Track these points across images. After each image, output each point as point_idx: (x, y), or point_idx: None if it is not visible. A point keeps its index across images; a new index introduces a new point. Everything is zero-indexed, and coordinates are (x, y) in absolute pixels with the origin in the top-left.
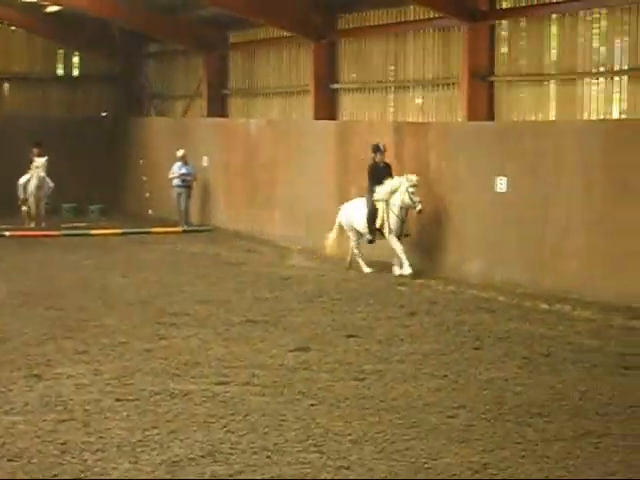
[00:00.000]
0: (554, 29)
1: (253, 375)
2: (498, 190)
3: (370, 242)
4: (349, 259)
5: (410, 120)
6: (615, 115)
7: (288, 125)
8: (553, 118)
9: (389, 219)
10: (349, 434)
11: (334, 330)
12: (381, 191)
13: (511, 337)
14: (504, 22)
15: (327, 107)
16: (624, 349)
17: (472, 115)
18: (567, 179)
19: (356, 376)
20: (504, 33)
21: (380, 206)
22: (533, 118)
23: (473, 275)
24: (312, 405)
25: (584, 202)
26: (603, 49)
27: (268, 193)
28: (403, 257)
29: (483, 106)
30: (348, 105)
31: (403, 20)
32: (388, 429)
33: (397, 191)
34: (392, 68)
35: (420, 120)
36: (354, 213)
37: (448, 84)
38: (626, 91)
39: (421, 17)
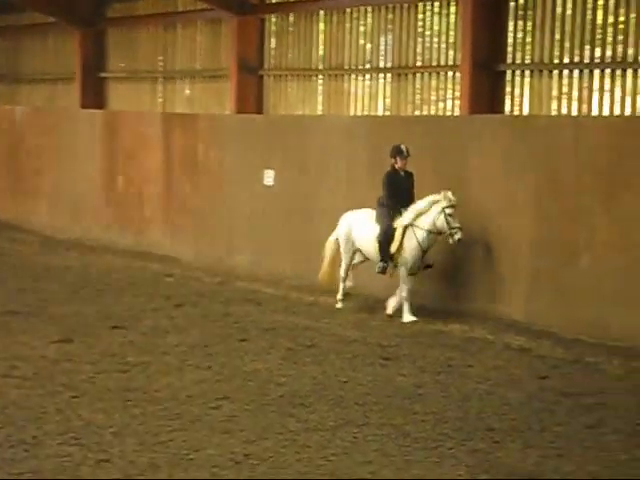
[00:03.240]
0: (322, 25)
1: (12, 367)
2: (266, 183)
3: (382, 272)
4: (342, 284)
5: (179, 111)
6: (380, 111)
7: (54, 113)
8: (321, 113)
9: (407, 245)
10: (110, 426)
11: (98, 321)
12: (408, 216)
13: (276, 329)
14: (273, 16)
15: (95, 96)
16: (384, 340)
17: (241, 108)
18: (333, 173)
19: (120, 368)
20: (273, 27)
21: (399, 228)
22: (301, 112)
23: (241, 267)
24: (73, 397)
25: (349, 195)
26: (369, 46)
27: (34, 182)
28: (406, 303)
29: (252, 99)
30: (116, 95)
31: (172, 11)
32: (150, 421)
33: (427, 212)
34: (161, 58)
35: (189, 111)
36: (361, 229)
37: (217, 76)
38: (390, 88)
39: (190, 8)
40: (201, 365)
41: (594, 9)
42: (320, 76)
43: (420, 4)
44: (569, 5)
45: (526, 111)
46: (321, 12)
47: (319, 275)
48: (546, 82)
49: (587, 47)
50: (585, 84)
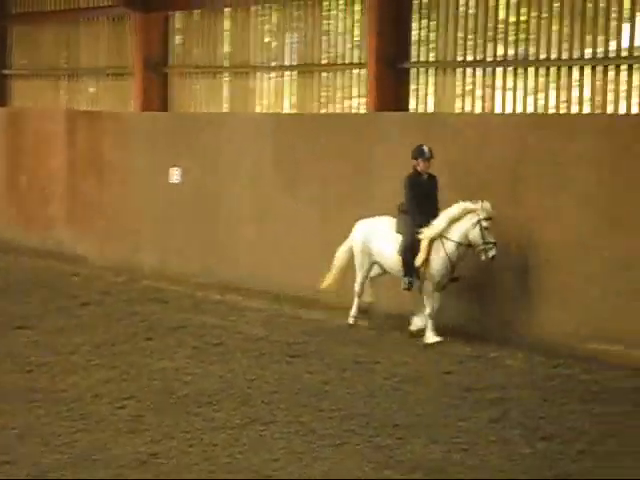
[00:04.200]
0: (227, 22)
1: None
2: (172, 181)
3: (407, 289)
4: (356, 299)
5: (83, 109)
6: (286, 109)
7: None
8: (227, 110)
9: (434, 258)
10: (14, 428)
11: (2, 321)
12: (439, 225)
13: (183, 327)
14: (178, 13)
15: None
16: (290, 338)
17: (146, 106)
18: (240, 171)
19: (24, 368)
20: (178, 24)
21: (425, 239)
22: (207, 110)
23: (147, 266)
24: None
25: (255, 194)
26: (275, 44)
27: None
28: (430, 321)
29: (157, 97)
30: (20, 92)
31: (75, 7)
32: (55, 421)
33: (458, 221)
34: (64, 55)
35: (94, 109)
36: (380, 240)
37: (122, 74)
38: (296, 86)
39: (93, 5)
40: (107, 364)
41: (497, 7)
42: (226, 74)
43: (325, 2)
44: (472, 3)
45: (431, 109)
46: (226, 9)
47: (323, 284)
48: (450, 80)
49: (490, 45)
50: (489, 82)
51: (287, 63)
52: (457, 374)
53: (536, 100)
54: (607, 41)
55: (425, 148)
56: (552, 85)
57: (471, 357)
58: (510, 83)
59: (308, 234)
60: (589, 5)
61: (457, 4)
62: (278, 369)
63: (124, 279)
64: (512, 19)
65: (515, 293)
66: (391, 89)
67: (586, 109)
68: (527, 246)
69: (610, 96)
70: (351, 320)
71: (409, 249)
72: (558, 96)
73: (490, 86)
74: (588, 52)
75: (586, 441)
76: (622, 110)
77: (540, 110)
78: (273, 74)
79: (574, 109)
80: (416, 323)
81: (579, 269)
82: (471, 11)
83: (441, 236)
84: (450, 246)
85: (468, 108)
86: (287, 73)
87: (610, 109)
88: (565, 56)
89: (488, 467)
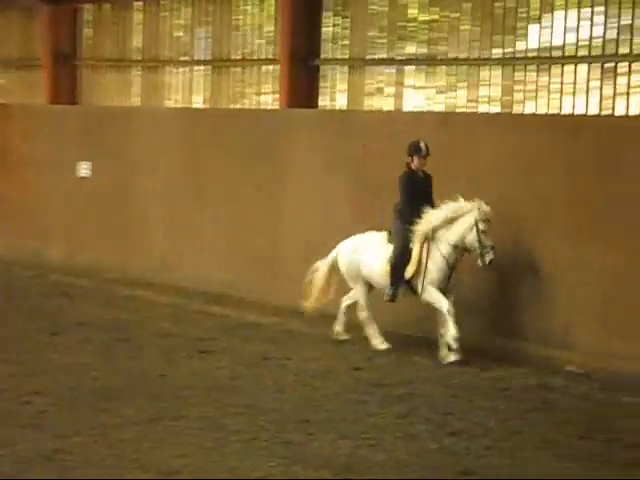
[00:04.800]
0: (139, 16)
1: None
2: (82, 175)
3: (391, 299)
4: (339, 328)
5: None
6: (198, 103)
7: None
8: (137, 105)
9: (429, 266)
10: None
11: None
12: (427, 221)
13: (91, 322)
14: (88, 6)
15: None
16: (201, 333)
17: (55, 98)
18: (150, 165)
19: None
20: (89, 17)
21: (416, 244)
22: (118, 104)
23: (56, 260)
24: None
25: (165, 188)
26: (186, 38)
27: None
28: (450, 321)
29: (67, 90)
30: None
31: None
32: None
33: (454, 223)
34: None
35: (3, 101)
36: (366, 253)
37: (31, 66)
38: (209, 80)
39: None
40: (12, 360)
41: (407, 6)
42: (136, 67)
43: None
44: (383, 2)
45: (342, 106)
46: (137, 3)
47: (305, 303)
48: (361, 77)
49: (401, 44)
50: (399, 80)
51: (199, 58)
52: (366, 370)
53: (446, 99)
54: (515, 41)
55: (422, 144)
56: (461, 84)
57: (380, 353)
58: (420, 81)
59: (218, 229)
60: (498, 5)
61: (368, 2)
62: (188, 365)
63: (32, 274)
64: (423, 18)
65: None
66: (303, 86)
67: (495, 108)
68: None
69: (518, 96)
70: (382, 345)
71: (400, 257)
72: (467, 95)
73: (401, 84)
74: (497, 52)
75: (492, 437)
76: (529, 110)
77: (449, 109)
78: (184, 69)
79: (483, 108)
80: (450, 341)
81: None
82: (382, 9)
83: (435, 239)
84: (446, 249)
85: (379, 106)
86: (199, 68)
87: (518, 109)
88: (474, 55)
89: (395, 463)
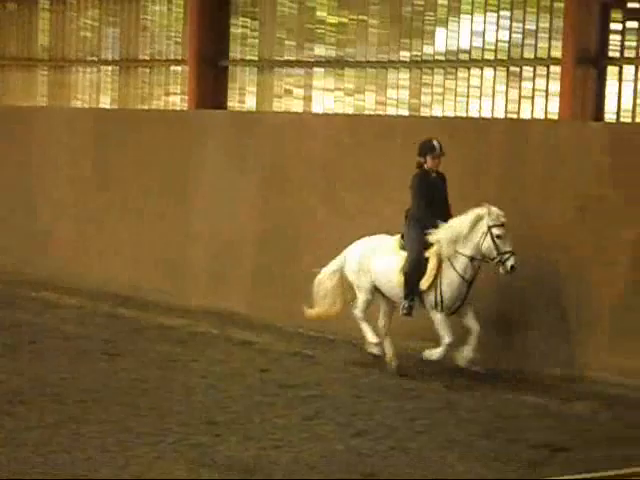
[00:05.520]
0: (45, 15)
1: None
2: None
3: (407, 314)
4: (390, 352)
5: None
6: (105, 104)
7: None
8: (44, 104)
9: (444, 279)
10: None
11: None
12: (445, 233)
13: None
14: None
15: None
16: (108, 336)
17: None
18: (55, 165)
19: None
20: None
21: (433, 256)
22: (23, 103)
23: None
24: None
25: (72, 189)
26: (93, 38)
27: None
28: (437, 354)
29: None
30: None
31: None
32: None
33: (469, 231)
34: None
35: None
36: (377, 261)
37: None
38: (116, 81)
39: None
40: None
41: (317, 9)
42: (43, 67)
43: None
44: (293, 4)
45: (251, 107)
46: (43, 1)
47: (312, 313)
48: (270, 79)
49: (310, 46)
50: (308, 82)
51: (106, 58)
52: (273, 372)
53: (354, 101)
54: (423, 44)
55: (435, 143)
56: (370, 87)
57: (287, 354)
58: (329, 84)
59: (126, 230)
60: (406, 9)
61: (277, 4)
62: (94, 367)
63: None
64: (331, 20)
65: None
66: (211, 87)
67: (403, 111)
68: (344, 244)
69: (425, 99)
70: (374, 349)
71: (415, 267)
72: (376, 97)
73: (310, 86)
74: (405, 55)
75: (397, 437)
76: (437, 112)
77: (358, 111)
78: (92, 69)
79: (391, 111)
80: (463, 356)
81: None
82: (291, 11)
83: (450, 255)
84: (461, 262)
85: (287, 108)
86: (106, 68)
87: (425, 111)
88: (383, 58)
89: (302, 464)
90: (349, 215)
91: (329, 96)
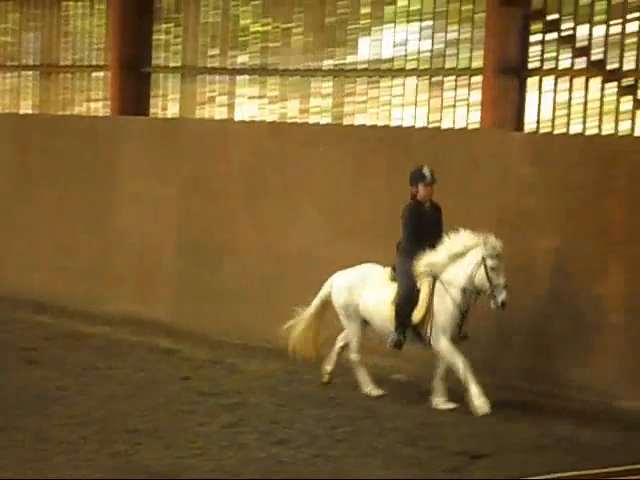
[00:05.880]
0: None
1: None
2: None
3: (396, 346)
4: (330, 368)
5: None
6: (26, 109)
7: None
8: None
9: (438, 311)
10: None
11: None
12: (430, 260)
13: None
14: None
15: None
16: (28, 343)
17: None
18: None
19: None
20: None
21: (424, 285)
22: None
23: None
24: None
25: None
26: (14, 43)
27: None
28: (470, 379)
29: None
30: None
31: None
32: None
33: (460, 259)
34: None
35: None
36: (366, 292)
37: None
38: (37, 86)
39: None
40: None
41: (240, 16)
42: None
43: (65, 2)
44: (217, 12)
45: (174, 114)
46: None
47: (290, 343)
48: (193, 86)
49: (233, 53)
50: (231, 89)
51: (27, 63)
52: (195, 380)
53: (277, 109)
54: (346, 53)
55: (426, 171)
56: (293, 95)
57: (209, 362)
58: (253, 91)
59: (47, 236)
60: (330, 18)
61: (200, 11)
62: (12, 375)
63: None
64: (255, 28)
65: (254, 298)
66: (133, 93)
67: (326, 119)
68: (264, 251)
69: (348, 107)
70: (375, 390)
71: (406, 299)
72: (299, 105)
73: (233, 94)
74: (328, 63)
75: (319, 445)
76: (360, 121)
77: (281, 119)
78: (12, 74)
79: (314, 119)
80: (438, 404)
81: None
82: (215, 18)
83: (443, 282)
84: (455, 293)
85: (210, 115)
86: (27, 73)
87: (349, 120)
88: (306, 67)
89: (223, 471)
90: (272, 222)
91: (252, 104)
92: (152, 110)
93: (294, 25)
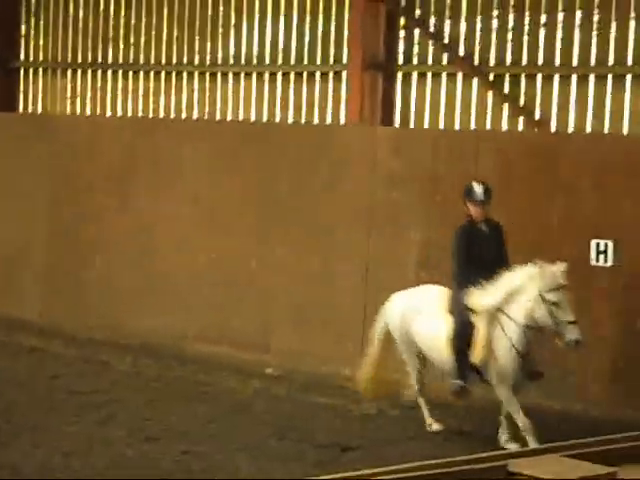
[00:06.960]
0: None
1: None
2: None
3: (459, 395)
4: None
5: None
6: None
7: None
8: None
9: (497, 348)
10: None
11: None
12: (491, 297)
13: None
14: None
15: None
16: None
17: None
18: None
19: None
20: None
21: (481, 323)
22: None
23: None
24: None
25: None
26: None
27: None
28: (529, 436)
29: None
30: None
31: None
32: None
33: (519, 294)
34: None
35: None
36: (420, 320)
37: None
38: None
39: None
40: None
41: (108, 11)
42: None
43: None
44: (83, 5)
45: (41, 109)
46: None
47: (357, 382)
48: (61, 81)
49: (101, 48)
50: (100, 84)
51: None
52: (64, 378)
53: (147, 104)
54: (217, 49)
55: (476, 187)
56: (162, 89)
57: (79, 360)
58: (123, 86)
59: None
60: (200, 13)
61: (67, 5)
62: None
63: None
64: (123, 23)
65: (124, 295)
66: (1, 89)
67: (196, 114)
68: (135, 249)
69: (218, 103)
70: (435, 426)
71: (461, 336)
72: (168, 100)
73: (103, 89)
74: (198, 59)
75: (189, 441)
76: (229, 117)
77: (151, 114)
78: None
79: (185, 114)
80: (504, 439)
81: (186, 271)
82: (84, 13)
83: (499, 318)
84: (513, 329)
85: (79, 110)
86: None
87: (218, 115)
88: (175, 61)
89: (92, 469)
90: (142, 218)
91: (123, 98)
92: (21, 105)
93: (164, 20)
